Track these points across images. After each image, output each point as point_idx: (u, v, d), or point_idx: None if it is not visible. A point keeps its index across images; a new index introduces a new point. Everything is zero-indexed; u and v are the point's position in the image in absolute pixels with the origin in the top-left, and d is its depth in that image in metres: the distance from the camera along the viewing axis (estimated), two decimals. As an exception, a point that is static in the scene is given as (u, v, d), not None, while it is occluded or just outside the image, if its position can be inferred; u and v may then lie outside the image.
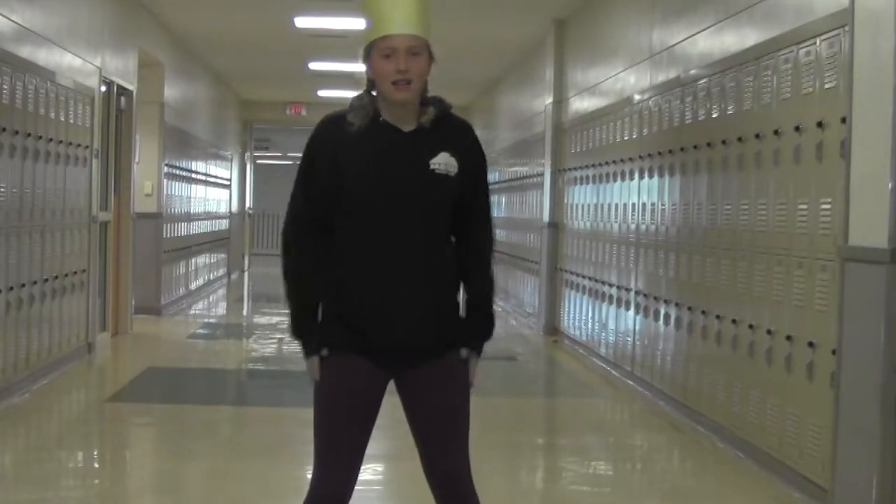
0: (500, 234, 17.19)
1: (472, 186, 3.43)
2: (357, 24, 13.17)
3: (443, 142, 3.37)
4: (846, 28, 5.33)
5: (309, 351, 3.41)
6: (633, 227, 9.48)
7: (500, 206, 17.49)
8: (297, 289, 3.44)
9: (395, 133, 3.36)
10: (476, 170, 3.44)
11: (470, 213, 3.45)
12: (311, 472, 3.38)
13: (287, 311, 3.47)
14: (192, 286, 16.63)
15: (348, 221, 3.35)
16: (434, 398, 3.41)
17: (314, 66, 17.06)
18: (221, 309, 16.94)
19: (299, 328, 3.45)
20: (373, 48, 3.32)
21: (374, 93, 3.38)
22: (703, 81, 7.67)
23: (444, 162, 3.36)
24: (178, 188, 15.37)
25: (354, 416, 3.38)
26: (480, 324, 3.49)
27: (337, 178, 3.33)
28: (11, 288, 7.89)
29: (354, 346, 3.36)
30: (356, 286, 3.35)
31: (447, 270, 3.42)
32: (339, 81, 18.69)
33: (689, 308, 7.82)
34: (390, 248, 3.32)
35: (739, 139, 6.89)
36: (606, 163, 10.43)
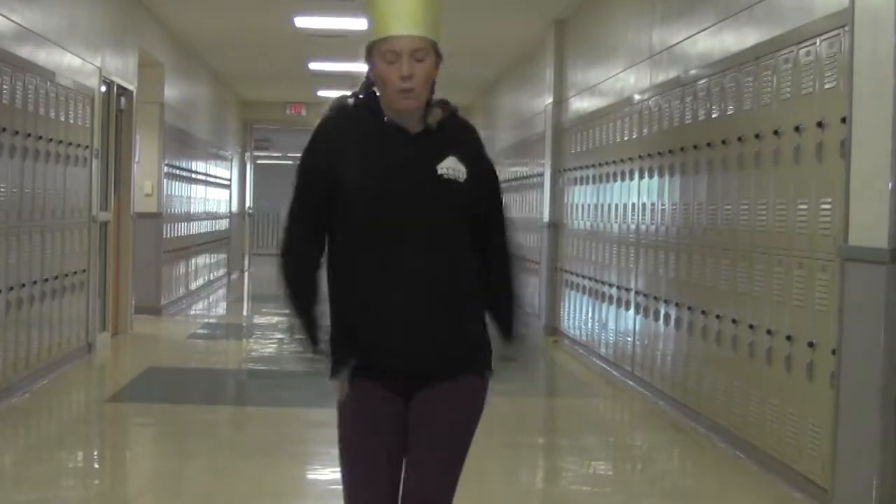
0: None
1: (486, 198, 3.19)
2: (357, 24, 13.18)
3: (450, 146, 3.11)
4: (846, 28, 5.33)
5: (335, 369, 3.14)
6: (633, 227, 9.48)
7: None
8: (298, 296, 3.16)
9: (401, 135, 3.09)
10: (489, 181, 3.20)
11: (487, 228, 3.21)
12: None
13: (290, 316, 3.20)
14: (192, 286, 16.62)
15: (353, 232, 3.07)
16: (435, 420, 3.11)
17: (314, 66, 17.06)
18: (221, 309, 16.93)
19: (313, 339, 3.16)
20: (374, 49, 3.03)
21: (374, 90, 3.11)
22: (703, 81, 7.67)
23: (451, 167, 3.09)
24: (178, 188, 15.37)
25: (379, 438, 3.11)
26: (508, 346, 3.26)
27: (336, 186, 3.05)
28: (11, 288, 7.89)
29: (365, 364, 3.10)
30: (361, 301, 3.07)
31: (464, 284, 3.11)
32: (339, 81, 18.67)
33: (689, 308, 7.82)
34: (398, 260, 3.04)
35: (739, 139, 6.89)
36: (606, 163, 10.42)
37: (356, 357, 3.10)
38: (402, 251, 3.04)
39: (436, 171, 3.08)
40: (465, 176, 3.10)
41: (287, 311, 3.20)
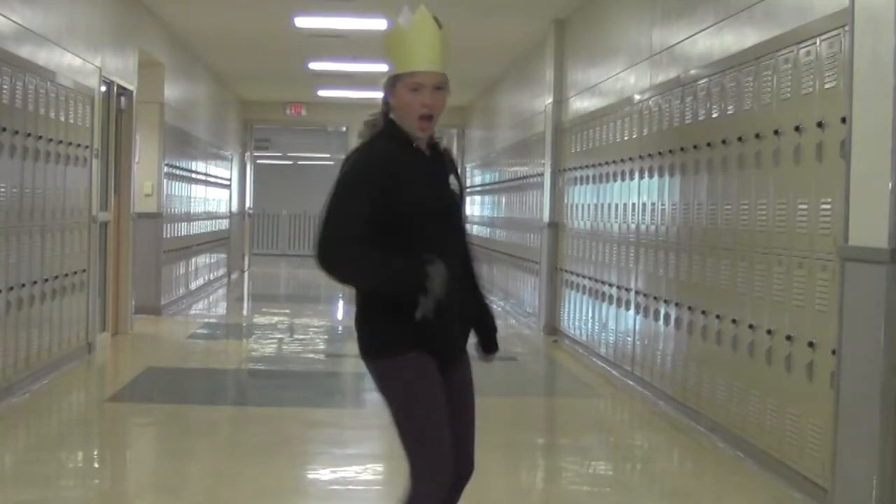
0: (500, 233, 17.26)
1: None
2: (357, 23, 13.20)
3: (448, 166, 3.75)
4: (846, 28, 5.33)
5: (421, 271, 3.48)
6: (633, 227, 9.48)
7: (500, 206, 17.50)
8: (374, 263, 3.51)
9: (425, 157, 3.65)
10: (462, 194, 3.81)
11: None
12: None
13: (382, 280, 3.50)
14: (192, 286, 16.62)
15: (411, 237, 3.54)
16: (468, 397, 3.72)
17: (314, 66, 17.05)
18: (221, 309, 16.93)
19: (406, 273, 3.49)
20: (398, 81, 3.57)
21: (391, 116, 3.63)
22: (703, 81, 7.67)
23: (454, 183, 3.71)
24: (178, 188, 15.37)
25: (444, 408, 3.58)
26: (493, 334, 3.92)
27: (389, 207, 3.50)
28: (11, 288, 7.89)
29: (425, 346, 3.56)
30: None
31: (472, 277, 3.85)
32: (339, 81, 18.68)
33: (689, 308, 7.82)
34: (446, 258, 3.54)
35: (739, 139, 6.90)
36: (606, 163, 10.42)
37: (419, 341, 3.56)
38: (447, 252, 3.57)
39: (449, 185, 3.70)
40: (458, 190, 3.76)
41: (375, 281, 3.52)
